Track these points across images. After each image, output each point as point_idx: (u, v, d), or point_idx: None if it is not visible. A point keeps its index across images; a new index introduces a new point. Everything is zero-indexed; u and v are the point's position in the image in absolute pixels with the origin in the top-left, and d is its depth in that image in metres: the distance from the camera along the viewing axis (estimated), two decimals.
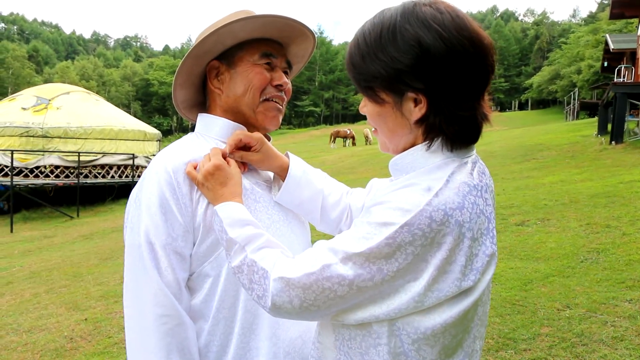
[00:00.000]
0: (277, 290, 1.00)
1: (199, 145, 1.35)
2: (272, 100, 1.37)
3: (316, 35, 1.47)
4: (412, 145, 1.07)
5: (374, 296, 0.97)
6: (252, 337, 1.27)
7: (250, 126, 1.38)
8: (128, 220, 1.27)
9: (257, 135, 1.34)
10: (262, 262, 1.06)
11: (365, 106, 1.11)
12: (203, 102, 1.47)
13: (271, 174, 1.42)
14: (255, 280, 1.06)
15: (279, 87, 1.37)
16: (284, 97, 1.40)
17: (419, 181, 0.99)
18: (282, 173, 1.38)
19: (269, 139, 1.46)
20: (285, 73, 1.41)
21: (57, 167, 15.90)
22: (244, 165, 1.35)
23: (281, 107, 1.40)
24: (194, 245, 1.26)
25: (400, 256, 0.93)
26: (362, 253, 0.94)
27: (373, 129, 1.14)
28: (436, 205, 0.94)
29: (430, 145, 1.04)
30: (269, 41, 1.38)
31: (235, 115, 1.37)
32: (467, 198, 0.98)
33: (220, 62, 1.36)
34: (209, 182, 1.23)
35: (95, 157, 16.49)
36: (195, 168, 1.27)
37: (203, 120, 1.41)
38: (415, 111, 1.02)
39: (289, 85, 1.41)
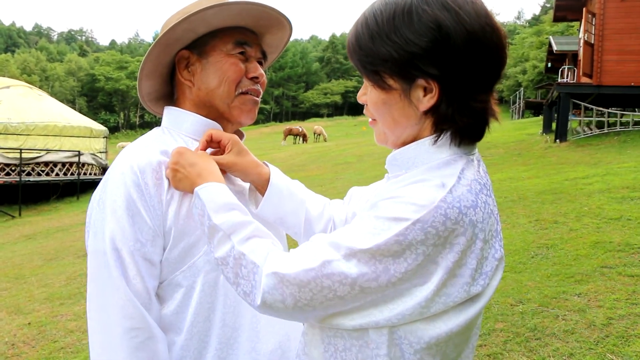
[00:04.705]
0: (269, 287, 0.91)
1: (167, 142, 1.24)
2: (249, 93, 1.28)
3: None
4: (415, 139, 1.00)
5: (376, 300, 0.88)
6: (230, 352, 1.19)
7: (224, 120, 1.29)
8: (91, 224, 1.17)
9: (230, 135, 1.25)
10: (252, 254, 0.95)
11: (365, 94, 1.03)
12: (170, 94, 1.36)
13: (247, 185, 1.31)
14: (242, 275, 0.95)
15: (254, 80, 1.29)
16: (260, 90, 1.31)
17: (430, 177, 0.92)
18: (260, 182, 1.26)
19: (242, 135, 1.38)
20: (260, 64, 1.32)
21: None
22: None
23: (257, 99, 1.31)
24: (164, 250, 1.16)
25: (410, 256, 0.86)
26: (369, 250, 0.86)
27: (370, 120, 1.05)
28: (451, 202, 0.87)
29: (437, 139, 0.96)
30: (243, 29, 1.29)
31: (208, 109, 1.28)
32: (479, 196, 0.91)
33: (191, 52, 1.27)
34: (180, 172, 1.13)
35: (38, 154, 15.84)
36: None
37: (171, 114, 1.31)
38: (425, 100, 0.94)
39: (265, 78, 1.33)
